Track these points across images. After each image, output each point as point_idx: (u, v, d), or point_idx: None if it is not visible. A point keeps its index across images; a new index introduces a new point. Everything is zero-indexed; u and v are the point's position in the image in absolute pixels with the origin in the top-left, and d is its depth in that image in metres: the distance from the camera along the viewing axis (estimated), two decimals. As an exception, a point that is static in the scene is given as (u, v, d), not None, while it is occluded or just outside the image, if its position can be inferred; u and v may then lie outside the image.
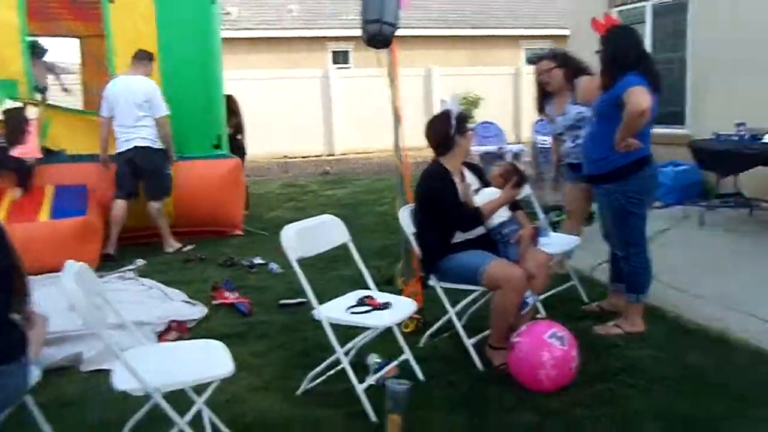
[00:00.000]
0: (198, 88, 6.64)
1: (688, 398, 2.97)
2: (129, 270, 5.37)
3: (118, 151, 6.19)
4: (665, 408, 2.90)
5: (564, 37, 12.73)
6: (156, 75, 6.34)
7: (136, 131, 6.10)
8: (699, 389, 3.05)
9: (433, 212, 3.48)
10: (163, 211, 6.34)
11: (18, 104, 5.91)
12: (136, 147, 6.11)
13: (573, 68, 4.53)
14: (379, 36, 3.83)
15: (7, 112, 5.83)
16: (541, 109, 4.79)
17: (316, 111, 16.27)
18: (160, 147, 6.22)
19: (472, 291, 3.51)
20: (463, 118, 3.56)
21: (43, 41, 7.78)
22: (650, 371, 3.26)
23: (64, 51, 10.80)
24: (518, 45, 19.10)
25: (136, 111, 6.07)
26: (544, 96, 4.69)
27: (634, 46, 3.66)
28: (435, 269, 3.51)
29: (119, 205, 6.13)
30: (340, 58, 18.99)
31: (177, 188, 6.43)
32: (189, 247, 6.30)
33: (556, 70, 4.51)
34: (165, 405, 2.33)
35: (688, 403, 2.93)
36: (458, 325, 3.49)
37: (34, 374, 2.38)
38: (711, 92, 7.50)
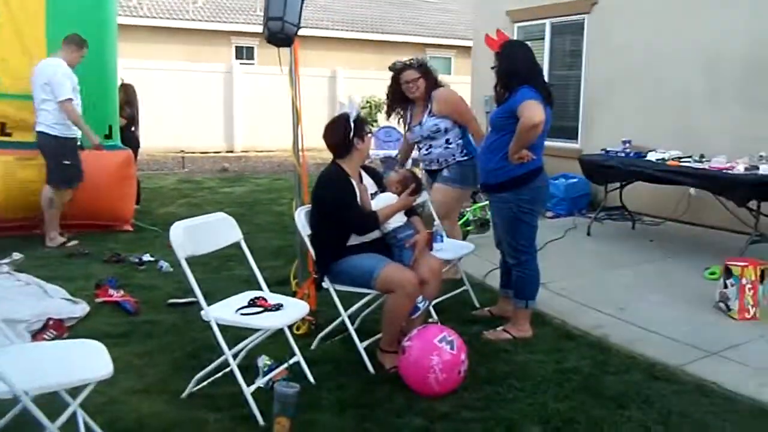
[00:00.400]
0: (90, 76, 6.28)
1: (569, 401, 3.10)
2: (3, 264, 5.01)
3: None
4: (549, 410, 3.01)
5: (468, 48, 13.08)
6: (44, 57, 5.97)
7: (39, 115, 5.84)
8: (579, 392, 3.19)
9: (329, 214, 3.46)
10: (59, 203, 5.97)
11: None
12: (37, 132, 5.85)
13: (432, 80, 4.72)
14: (280, 34, 3.77)
15: None
16: (389, 114, 5.06)
17: (217, 106, 15.90)
18: (59, 134, 5.85)
19: (366, 294, 3.50)
20: (362, 122, 3.57)
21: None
22: (536, 375, 3.37)
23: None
24: (424, 52, 19.44)
25: (40, 93, 5.79)
26: (404, 103, 4.90)
27: (526, 61, 3.80)
28: (329, 271, 3.49)
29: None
30: (244, 53, 18.65)
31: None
32: (73, 243, 5.95)
33: (422, 80, 4.70)
34: (34, 409, 2.18)
35: (568, 405, 3.05)
36: (351, 328, 3.48)
37: None
38: (602, 110, 7.92)
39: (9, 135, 6.12)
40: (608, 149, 6.61)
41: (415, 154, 5.26)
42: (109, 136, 6.61)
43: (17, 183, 5.97)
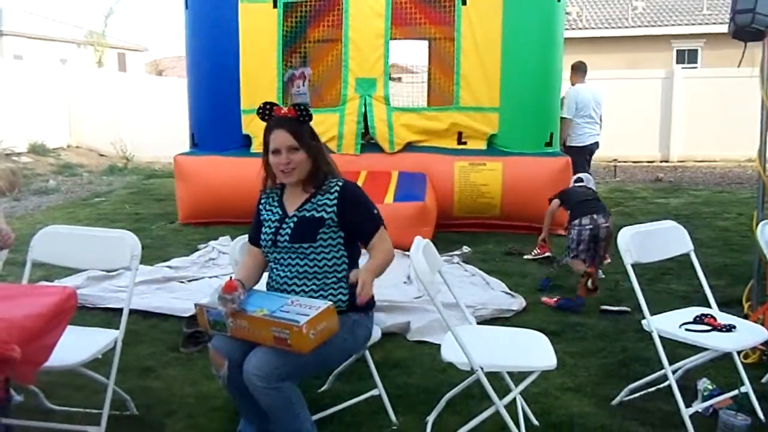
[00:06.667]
0: (536, 88, 6.75)
1: None
2: (456, 255, 5.72)
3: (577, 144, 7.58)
4: None
5: None
6: (497, 72, 6.66)
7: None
8: None
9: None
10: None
11: None
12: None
13: None
14: (749, 27, 3.43)
15: None
16: None
17: (653, 114, 15.24)
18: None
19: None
20: None
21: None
22: None
23: (412, 52, 11.82)
24: None
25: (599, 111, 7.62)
26: None
27: None
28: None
29: None
30: (686, 57, 17.52)
31: (504, 182, 6.68)
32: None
33: None
34: (487, 384, 2.43)
35: None
36: (815, 367, 2.99)
37: (378, 332, 2.70)
38: None
39: (465, 143, 6.95)
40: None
41: None
42: (549, 144, 6.97)
43: (469, 185, 6.73)
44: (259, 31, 6.99)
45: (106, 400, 2.63)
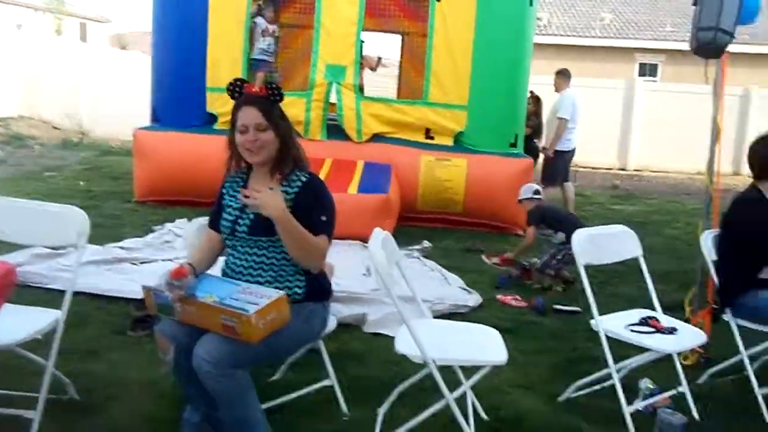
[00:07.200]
0: (505, 89, 6.83)
1: None
2: (416, 249, 5.76)
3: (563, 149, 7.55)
4: None
5: None
6: (467, 70, 6.70)
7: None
8: None
9: (741, 242, 3.14)
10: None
11: None
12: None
13: None
14: (711, 45, 3.53)
15: None
16: None
17: (614, 123, 15.56)
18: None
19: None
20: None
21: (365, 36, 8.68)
22: None
23: (385, 45, 11.83)
24: None
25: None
26: None
27: None
28: (732, 303, 3.18)
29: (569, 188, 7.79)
30: (647, 70, 17.94)
31: (467, 179, 6.73)
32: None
33: None
34: (438, 377, 2.45)
35: None
36: (749, 369, 3.12)
37: (333, 322, 2.70)
38: None
39: (432, 138, 7.00)
40: None
41: None
42: (514, 145, 7.07)
43: (434, 180, 6.78)
44: (227, 10, 6.91)
45: (44, 384, 2.52)
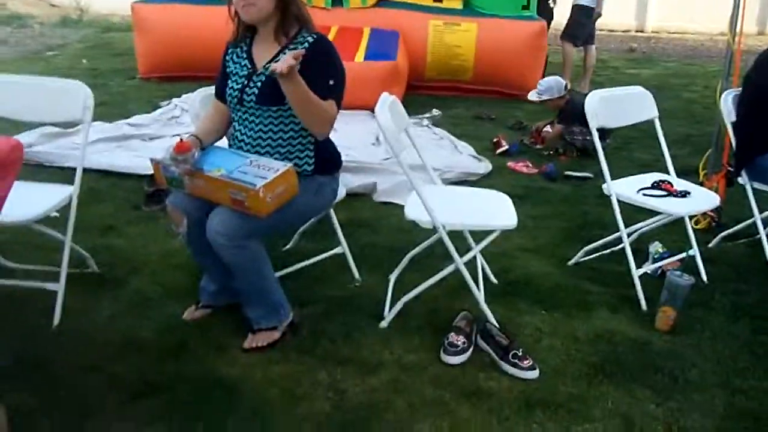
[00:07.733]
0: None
1: None
2: (425, 118, 5.67)
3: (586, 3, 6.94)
4: None
5: None
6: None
7: None
8: None
9: (763, 100, 3.04)
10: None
11: None
12: None
13: None
14: None
15: None
16: None
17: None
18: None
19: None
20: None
21: None
22: None
23: None
24: None
25: None
26: None
27: None
28: (749, 165, 3.13)
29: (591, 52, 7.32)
30: None
31: (477, 44, 6.48)
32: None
33: None
34: (448, 242, 2.48)
35: None
36: (762, 233, 3.13)
37: (343, 191, 2.70)
38: None
39: (440, 1, 6.70)
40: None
41: None
42: (527, 7, 6.75)
43: (443, 46, 6.54)
44: None
45: (64, 258, 2.57)
